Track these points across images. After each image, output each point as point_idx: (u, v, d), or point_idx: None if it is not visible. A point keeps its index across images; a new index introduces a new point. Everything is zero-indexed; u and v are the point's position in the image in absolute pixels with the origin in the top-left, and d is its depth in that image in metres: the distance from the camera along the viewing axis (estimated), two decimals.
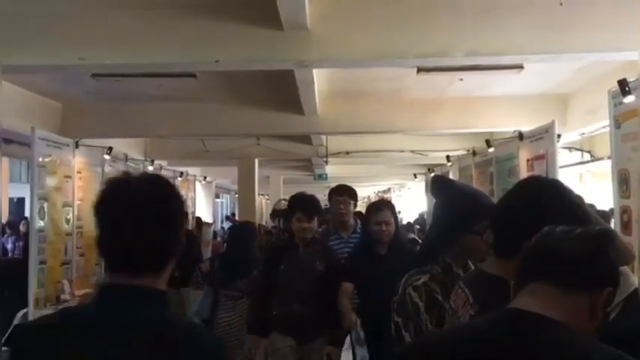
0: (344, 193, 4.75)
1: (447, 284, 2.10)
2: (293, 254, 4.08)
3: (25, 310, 5.24)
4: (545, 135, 5.54)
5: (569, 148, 7.78)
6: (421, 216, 16.86)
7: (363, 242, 4.31)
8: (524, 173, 5.93)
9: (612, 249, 1.23)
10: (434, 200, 2.49)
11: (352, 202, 4.75)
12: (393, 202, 21.18)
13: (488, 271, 1.66)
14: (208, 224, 10.19)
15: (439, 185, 2.48)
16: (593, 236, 1.20)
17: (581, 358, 1.11)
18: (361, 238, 4.48)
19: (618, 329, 2.30)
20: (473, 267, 2.28)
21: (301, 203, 4.18)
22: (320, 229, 4.66)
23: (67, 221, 5.93)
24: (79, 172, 6.42)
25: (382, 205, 4.25)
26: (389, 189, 21.67)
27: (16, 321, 5.33)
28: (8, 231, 10.64)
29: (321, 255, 4.09)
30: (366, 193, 27.62)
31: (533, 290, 1.18)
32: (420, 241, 7.10)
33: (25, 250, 6.88)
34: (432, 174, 10.17)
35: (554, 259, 1.18)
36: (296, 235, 4.12)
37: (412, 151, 11.13)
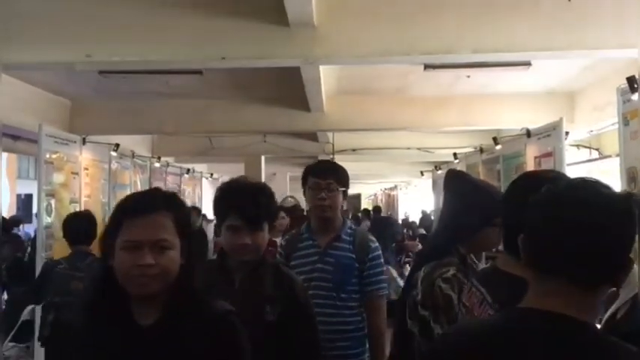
0: (328, 174, 2.92)
1: (466, 276, 2.11)
2: (223, 291, 2.08)
3: (32, 306, 5.27)
4: (552, 132, 5.51)
5: (577, 146, 7.73)
6: (425, 215, 16.85)
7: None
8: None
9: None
10: (445, 194, 2.47)
11: (341, 189, 2.93)
12: (399, 199, 21.20)
13: (505, 270, 1.62)
14: (209, 221, 10.17)
15: (455, 179, 2.49)
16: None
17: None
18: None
19: (626, 328, 2.29)
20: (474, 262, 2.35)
21: (235, 199, 2.25)
22: (284, 240, 3.19)
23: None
24: (85, 169, 6.45)
25: None
26: (395, 186, 21.64)
27: (23, 317, 5.35)
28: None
29: (273, 291, 2.24)
30: (373, 190, 27.61)
31: (555, 289, 1.16)
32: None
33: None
34: (447, 169, 10.15)
35: (573, 258, 1.14)
36: (229, 258, 2.29)
37: (419, 149, 11.11)
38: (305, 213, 16.75)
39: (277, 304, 2.20)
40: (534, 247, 1.20)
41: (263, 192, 2.29)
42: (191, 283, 1.66)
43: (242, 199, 2.21)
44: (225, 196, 2.28)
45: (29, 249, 8.36)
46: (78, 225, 4.31)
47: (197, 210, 7.86)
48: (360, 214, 17.21)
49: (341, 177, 2.98)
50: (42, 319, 4.12)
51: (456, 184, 2.44)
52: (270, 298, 2.21)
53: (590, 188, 1.19)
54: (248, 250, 2.23)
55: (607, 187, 1.21)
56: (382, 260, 3.00)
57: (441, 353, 1.24)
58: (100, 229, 6.96)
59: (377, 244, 3.01)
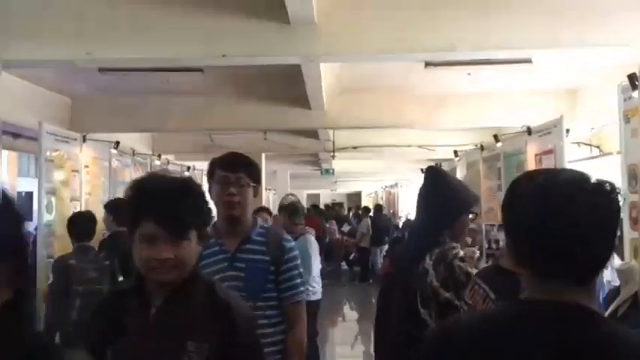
0: (238, 167, 2.58)
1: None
2: (138, 319, 1.74)
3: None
4: (553, 130, 5.51)
5: (578, 143, 7.73)
6: None
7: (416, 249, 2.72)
8: (532, 168, 5.91)
9: None
10: (427, 187, 2.73)
11: (252, 185, 2.61)
12: (400, 197, 21.20)
13: (508, 268, 1.60)
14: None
15: (438, 174, 2.83)
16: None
17: (629, 348, 1.11)
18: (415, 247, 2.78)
19: (627, 326, 2.28)
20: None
21: (151, 200, 1.75)
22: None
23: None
24: (86, 167, 6.45)
25: None
26: (396, 184, 21.63)
27: None
28: None
29: (203, 322, 1.73)
30: (374, 188, 27.61)
31: (555, 286, 1.17)
32: None
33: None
34: (448, 167, 10.16)
35: (569, 258, 1.15)
36: (146, 277, 1.77)
37: (419, 146, 11.09)
38: (305, 211, 16.74)
39: (207, 342, 1.66)
40: (528, 248, 1.19)
41: (188, 190, 1.78)
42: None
43: (160, 200, 1.69)
44: (138, 196, 1.76)
45: (30, 246, 8.37)
46: (83, 223, 4.86)
47: None
48: (360, 212, 17.25)
49: (252, 171, 2.63)
50: (65, 306, 4.48)
51: (440, 178, 2.77)
52: (196, 333, 1.67)
53: (577, 184, 1.19)
54: (168, 267, 1.68)
55: (590, 182, 1.21)
56: (299, 261, 2.65)
57: (454, 340, 1.21)
58: (100, 226, 6.94)
59: (292, 243, 2.69)
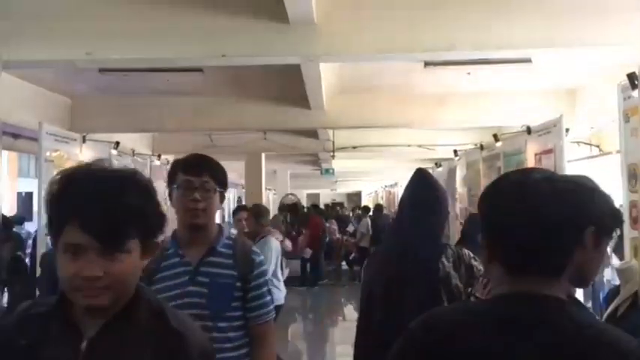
0: (203, 170, 2.29)
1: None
2: (62, 355, 1.28)
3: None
4: (553, 129, 5.51)
5: (578, 143, 7.73)
6: None
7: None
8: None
9: None
10: (420, 190, 2.75)
11: (218, 189, 2.31)
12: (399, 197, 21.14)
13: None
14: None
15: (431, 176, 2.91)
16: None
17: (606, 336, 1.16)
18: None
19: (627, 325, 2.29)
20: None
21: (77, 200, 1.29)
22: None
23: None
24: None
25: None
26: (396, 183, 21.64)
27: None
28: None
29: (150, 356, 1.31)
30: (374, 187, 27.63)
31: (529, 280, 1.21)
32: None
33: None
34: (448, 167, 10.16)
35: (540, 254, 1.20)
36: (73, 302, 1.32)
37: (419, 146, 11.10)
38: (306, 210, 16.64)
39: None
40: (500, 245, 1.24)
41: (130, 186, 1.31)
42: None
43: (89, 199, 1.26)
44: (61, 192, 1.31)
45: (30, 248, 8.37)
46: None
47: None
48: (359, 212, 17.25)
49: (219, 175, 2.31)
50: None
51: (435, 182, 2.86)
52: None
53: (544, 183, 1.23)
54: (97, 288, 1.25)
55: (558, 180, 1.26)
56: (267, 278, 2.41)
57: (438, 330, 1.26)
58: None
59: (262, 257, 2.40)
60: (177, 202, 2.27)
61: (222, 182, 2.33)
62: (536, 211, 1.19)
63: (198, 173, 2.26)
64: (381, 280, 2.61)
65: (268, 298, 2.35)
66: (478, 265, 2.53)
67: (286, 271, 5.78)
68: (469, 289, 2.47)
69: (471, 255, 2.58)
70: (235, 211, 7.39)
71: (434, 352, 1.22)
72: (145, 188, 1.35)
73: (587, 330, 1.16)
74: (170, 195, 2.31)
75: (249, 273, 2.29)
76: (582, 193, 1.22)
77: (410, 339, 1.28)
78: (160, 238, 1.47)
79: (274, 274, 5.31)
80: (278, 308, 5.22)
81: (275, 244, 5.44)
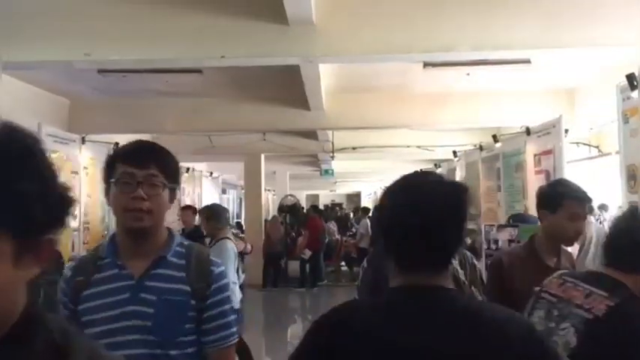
0: (148, 160, 1.79)
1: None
2: None
3: None
4: (552, 130, 5.51)
5: (577, 143, 7.73)
6: None
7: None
8: (531, 168, 5.91)
9: None
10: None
11: (168, 185, 1.81)
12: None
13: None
14: None
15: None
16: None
17: (488, 316, 1.30)
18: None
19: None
20: None
21: None
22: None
23: (74, 217, 5.96)
24: (85, 168, 6.45)
25: None
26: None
27: None
28: None
29: None
30: (373, 188, 27.62)
31: (421, 274, 1.33)
32: None
33: None
34: (447, 167, 10.16)
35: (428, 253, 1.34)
36: None
37: (418, 147, 11.11)
38: (305, 211, 16.60)
39: None
40: (392, 242, 1.37)
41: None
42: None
43: None
44: None
45: None
46: None
47: (193, 209, 7.84)
48: (359, 213, 17.23)
49: (169, 166, 1.81)
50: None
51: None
52: None
53: (427, 186, 1.36)
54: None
55: (441, 183, 1.39)
56: (229, 293, 1.91)
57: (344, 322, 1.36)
58: (99, 227, 6.94)
59: (222, 267, 1.90)
60: (115, 201, 1.77)
61: (172, 176, 1.82)
62: (426, 212, 1.30)
63: (143, 164, 1.75)
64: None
65: (231, 317, 1.87)
66: (478, 264, 2.69)
67: (243, 276, 5.51)
68: (472, 287, 2.59)
69: (472, 255, 2.71)
70: (183, 209, 7.55)
71: (336, 332, 1.33)
72: (20, 154, 0.81)
73: (473, 313, 1.29)
74: (107, 192, 1.79)
75: (206, 288, 1.81)
76: (461, 196, 1.35)
77: (317, 323, 1.39)
78: (60, 234, 0.91)
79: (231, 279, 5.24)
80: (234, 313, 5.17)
81: (231, 246, 5.03)
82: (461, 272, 2.62)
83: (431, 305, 1.30)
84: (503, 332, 1.26)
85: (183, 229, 7.50)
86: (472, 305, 1.34)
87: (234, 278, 5.06)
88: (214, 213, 5.32)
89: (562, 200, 2.54)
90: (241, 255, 8.39)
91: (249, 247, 7.70)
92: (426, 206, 1.30)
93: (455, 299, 1.34)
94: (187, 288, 1.79)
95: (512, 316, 1.32)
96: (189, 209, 7.79)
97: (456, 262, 2.61)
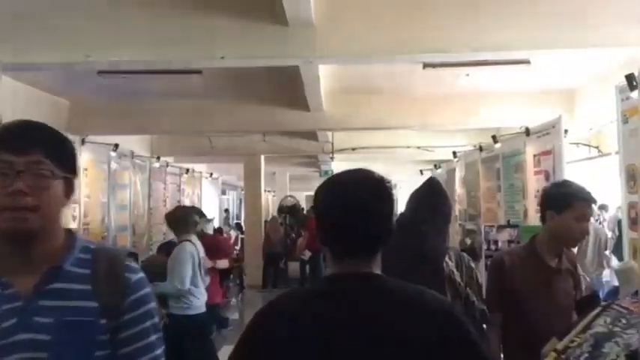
0: (30, 143, 1.35)
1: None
2: None
3: None
4: (552, 130, 5.51)
5: (577, 144, 7.74)
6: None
7: None
8: (530, 169, 5.91)
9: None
10: (437, 199, 2.84)
11: (61, 174, 1.37)
12: (399, 198, 21.22)
13: None
14: (208, 220, 10.14)
15: (441, 185, 3.02)
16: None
17: (412, 296, 1.46)
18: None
19: None
20: None
21: None
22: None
23: (74, 218, 5.96)
24: (85, 169, 6.45)
25: None
26: (395, 185, 21.64)
27: None
28: None
29: None
30: None
31: (353, 262, 1.46)
32: None
33: None
34: (446, 168, 10.17)
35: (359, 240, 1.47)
36: None
37: (418, 147, 11.12)
38: (305, 212, 16.60)
39: None
40: (324, 233, 1.50)
41: None
42: None
43: None
44: None
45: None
46: None
47: (197, 210, 7.83)
48: None
49: (59, 150, 1.40)
50: None
51: (443, 190, 2.97)
52: None
53: (355, 181, 1.53)
54: None
55: (368, 178, 1.54)
56: (154, 304, 1.49)
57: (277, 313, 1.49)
58: (99, 228, 6.92)
59: (141, 275, 1.47)
60: None
61: (66, 163, 1.40)
62: (363, 206, 1.44)
63: (24, 149, 1.34)
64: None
65: (153, 337, 1.45)
66: (474, 266, 2.75)
67: (207, 279, 5.24)
68: (467, 288, 2.65)
69: (469, 257, 2.78)
70: None
71: (273, 318, 1.46)
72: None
73: (400, 294, 1.45)
74: None
75: (120, 301, 1.41)
76: (382, 188, 1.51)
77: (256, 314, 1.50)
78: None
79: (193, 282, 4.88)
80: (195, 317, 4.89)
81: (189, 249, 4.87)
82: (457, 274, 2.67)
83: (362, 288, 1.43)
84: (426, 308, 1.43)
85: None
86: (398, 286, 1.47)
87: (191, 283, 4.80)
88: (177, 220, 5.15)
89: (570, 201, 2.53)
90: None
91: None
92: (350, 200, 1.45)
93: (383, 282, 1.47)
94: (94, 304, 1.38)
95: (435, 297, 1.49)
96: (192, 210, 7.76)
97: (452, 264, 2.68)
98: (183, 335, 4.77)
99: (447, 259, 2.70)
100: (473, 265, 2.75)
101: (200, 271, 5.01)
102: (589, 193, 2.57)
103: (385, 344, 1.37)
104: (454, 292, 2.62)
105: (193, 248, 4.97)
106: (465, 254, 2.80)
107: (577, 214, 2.52)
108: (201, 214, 7.93)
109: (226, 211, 19.76)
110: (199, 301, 5.00)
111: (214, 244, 6.63)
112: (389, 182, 1.55)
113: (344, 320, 1.38)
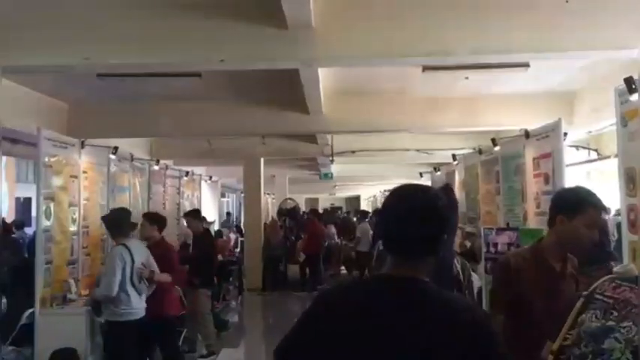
0: None
1: None
2: None
3: (31, 310, 5.26)
4: (551, 133, 5.51)
5: (576, 147, 7.74)
6: None
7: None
8: (530, 172, 5.91)
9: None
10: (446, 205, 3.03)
11: None
12: None
13: None
14: (209, 223, 10.15)
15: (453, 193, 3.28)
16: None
17: (445, 304, 1.57)
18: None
19: None
20: None
21: None
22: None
23: (73, 221, 5.94)
24: (84, 172, 6.43)
25: None
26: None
27: (22, 321, 5.34)
28: None
29: None
30: (372, 192, 27.61)
31: (402, 262, 1.61)
32: None
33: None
34: (445, 171, 10.16)
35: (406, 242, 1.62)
36: None
37: (418, 150, 11.12)
38: (305, 215, 16.61)
39: None
40: (385, 239, 1.68)
41: None
42: None
43: None
44: None
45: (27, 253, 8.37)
46: None
47: (198, 212, 7.82)
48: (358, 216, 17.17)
49: None
50: None
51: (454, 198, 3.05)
52: None
53: (406, 192, 1.68)
54: None
55: (419, 191, 1.70)
56: None
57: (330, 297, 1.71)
58: (98, 231, 6.91)
59: None
60: None
61: None
62: (408, 211, 1.60)
63: None
64: None
65: None
66: (469, 266, 3.26)
67: (143, 287, 4.85)
68: (466, 291, 3.11)
69: (468, 264, 3.26)
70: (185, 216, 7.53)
71: (327, 303, 1.67)
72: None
73: (436, 299, 1.56)
74: None
75: None
76: (435, 205, 1.63)
77: (316, 297, 1.72)
78: None
79: (123, 288, 4.68)
80: (128, 324, 4.71)
81: (123, 252, 4.70)
82: (462, 275, 3.08)
83: (396, 289, 1.59)
84: (453, 315, 1.52)
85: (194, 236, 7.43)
86: (432, 292, 1.59)
87: (122, 289, 4.63)
88: (111, 223, 5.04)
89: (584, 207, 2.49)
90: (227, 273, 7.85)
91: (164, 277, 5.20)
92: (403, 213, 1.61)
93: (419, 286, 1.60)
94: None
95: (466, 304, 1.64)
96: (195, 212, 7.73)
97: (459, 266, 3.04)
98: (123, 342, 4.63)
99: (455, 261, 3.04)
100: (474, 276, 3.29)
101: (132, 277, 4.76)
102: (601, 201, 2.54)
103: (407, 346, 1.50)
104: (459, 290, 2.97)
105: (126, 253, 4.75)
106: (468, 264, 3.27)
107: (589, 221, 2.48)
108: (201, 217, 7.93)
109: (228, 214, 19.75)
110: (133, 309, 4.76)
111: (162, 255, 5.35)
112: (440, 197, 1.68)
113: (374, 317, 1.54)
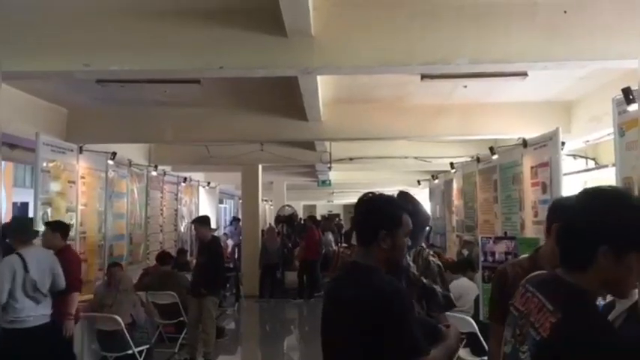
0: None
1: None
2: None
3: None
4: (549, 142, 5.53)
5: (574, 156, 7.75)
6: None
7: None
8: (527, 180, 5.93)
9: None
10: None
11: None
12: None
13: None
14: (211, 229, 10.10)
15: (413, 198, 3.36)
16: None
17: (368, 280, 2.16)
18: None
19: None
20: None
21: None
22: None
23: (70, 226, 5.94)
24: (82, 177, 6.45)
25: None
26: (392, 195, 21.59)
27: None
28: None
29: None
30: None
31: (358, 250, 2.28)
32: None
33: None
34: (443, 179, 10.18)
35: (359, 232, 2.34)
36: None
37: (416, 158, 11.13)
38: (303, 221, 16.57)
39: None
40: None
41: None
42: None
43: None
44: None
45: None
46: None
47: (206, 219, 7.71)
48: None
49: None
50: None
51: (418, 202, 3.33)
52: None
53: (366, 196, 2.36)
54: None
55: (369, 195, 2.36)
56: None
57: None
58: (96, 237, 6.89)
59: None
60: None
61: None
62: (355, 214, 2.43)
63: None
64: None
65: None
66: (436, 259, 3.26)
67: (38, 295, 4.77)
68: (422, 277, 3.17)
69: (431, 253, 3.32)
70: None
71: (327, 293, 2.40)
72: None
73: (356, 276, 2.21)
74: None
75: None
76: (372, 203, 2.38)
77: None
78: None
79: (11, 296, 4.63)
80: (20, 332, 4.66)
81: (15, 261, 4.64)
82: (413, 266, 3.21)
83: (345, 271, 2.38)
84: (373, 287, 2.10)
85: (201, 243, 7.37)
86: (359, 269, 2.23)
87: (11, 297, 4.57)
88: (11, 231, 4.98)
89: None
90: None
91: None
92: (355, 210, 2.34)
93: (353, 266, 2.28)
94: None
95: (385, 281, 2.13)
96: (196, 221, 7.68)
97: (409, 258, 3.16)
98: (20, 350, 4.58)
99: (413, 269, 3.19)
100: (433, 258, 3.25)
101: (25, 285, 4.69)
102: None
103: (337, 307, 2.21)
104: (407, 281, 3.07)
105: (18, 262, 4.70)
106: (426, 250, 3.29)
107: None
108: (210, 224, 7.82)
109: (237, 220, 19.66)
110: (22, 317, 4.70)
111: (64, 262, 5.11)
112: (386, 200, 2.37)
113: (332, 293, 2.33)
